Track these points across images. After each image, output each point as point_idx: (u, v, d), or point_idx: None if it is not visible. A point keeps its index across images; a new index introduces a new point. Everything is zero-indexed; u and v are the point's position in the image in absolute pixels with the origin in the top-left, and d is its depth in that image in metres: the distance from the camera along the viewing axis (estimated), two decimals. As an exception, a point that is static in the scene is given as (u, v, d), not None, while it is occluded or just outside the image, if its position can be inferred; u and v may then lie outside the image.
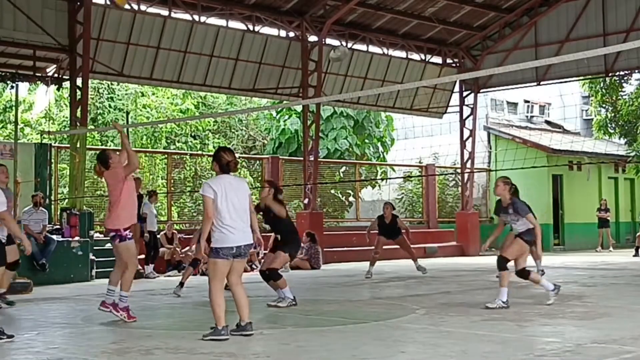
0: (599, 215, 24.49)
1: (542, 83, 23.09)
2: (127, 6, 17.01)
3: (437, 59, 23.43)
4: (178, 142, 27.71)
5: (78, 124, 15.93)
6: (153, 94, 28.87)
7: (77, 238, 14.59)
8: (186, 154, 22.00)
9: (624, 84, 26.41)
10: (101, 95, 27.11)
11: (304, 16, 19.62)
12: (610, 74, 23.22)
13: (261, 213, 9.74)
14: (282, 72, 20.30)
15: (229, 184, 6.92)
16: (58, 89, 18.18)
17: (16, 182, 12.23)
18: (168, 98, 29.08)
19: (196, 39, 18.44)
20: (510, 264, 9.32)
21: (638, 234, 21.98)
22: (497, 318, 8.02)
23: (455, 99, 24.41)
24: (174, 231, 17.00)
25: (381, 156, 29.54)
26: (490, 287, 12.01)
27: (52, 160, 16.72)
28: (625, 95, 26.67)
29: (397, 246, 14.99)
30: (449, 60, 23.46)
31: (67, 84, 16.99)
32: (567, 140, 26.21)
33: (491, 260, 19.76)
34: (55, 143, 17.68)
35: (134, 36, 17.53)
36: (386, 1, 20.26)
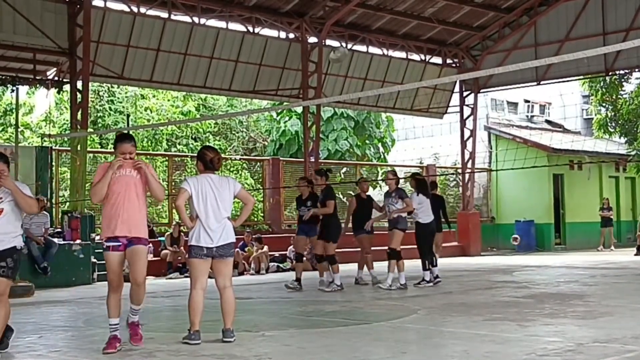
0: (602, 214, 24.48)
1: (542, 83, 23.11)
2: (126, 8, 17.05)
3: (437, 60, 23.45)
4: (179, 144, 27.73)
5: (78, 127, 15.95)
6: (153, 96, 28.89)
7: (78, 241, 14.60)
8: (187, 156, 22.01)
9: (624, 83, 26.39)
10: (101, 98, 27.13)
11: (304, 17, 19.64)
12: (610, 73, 23.24)
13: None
14: (282, 74, 20.32)
15: (209, 183, 6.80)
16: (58, 92, 18.18)
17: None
18: (168, 100, 29.11)
19: (196, 41, 18.46)
20: None
21: (638, 233, 21.98)
22: (499, 318, 8.01)
23: (455, 99, 24.43)
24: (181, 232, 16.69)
25: (382, 157, 29.56)
26: (491, 287, 12.01)
27: (53, 164, 16.74)
28: (625, 94, 26.67)
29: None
30: (449, 61, 23.48)
31: (67, 87, 17.01)
32: (567, 140, 26.19)
33: (492, 261, 19.81)
34: (55, 146, 17.69)
35: (134, 39, 17.55)
36: (386, 2, 20.27)
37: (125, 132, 8.87)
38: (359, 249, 13.00)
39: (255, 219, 21.13)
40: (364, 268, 12.79)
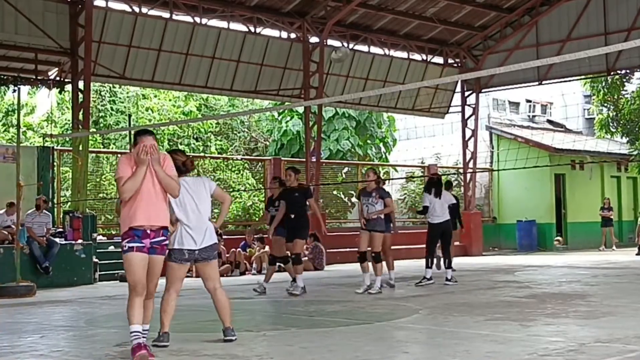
0: (602, 214, 24.50)
1: (543, 82, 23.11)
2: (128, 8, 17.07)
3: (439, 59, 23.45)
4: (180, 144, 27.73)
5: (80, 127, 15.96)
6: (155, 96, 28.90)
7: (80, 241, 14.61)
8: (188, 156, 21.97)
9: (626, 83, 26.40)
10: (103, 98, 27.15)
11: (305, 17, 19.64)
12: (611, 73, 23.23)
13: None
14: (284, 74, 20.32)
15: (185, 187, 6.65)
16: (60, 92, 18.22)
17: (19, 185, 12.24)
18: (170, 100, 29.12)
19: (198, 41, 18.46)
20: None
21: (638, 233, 22.03)
22: (501, 318, 8.01)
23: (457, 99, 24.43)
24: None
25: (383, 157, 29.55)
26: (493, 287, 12.01)
27: (55, 164, 16.75)
28: (627, 94, 26.68)
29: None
30: (450, 61, 23.47)
31: (69, 87, 17.04)
32: (569, 140, 26.20)
33: (494, 260, 19.80)
34: (57, 146, 17.67)
35: (136, 39, 17.56)
36: (387, 2, 20.28)
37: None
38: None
39: (257, 219, 21.14)
40: (393, 268, 12.29)
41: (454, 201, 12.92)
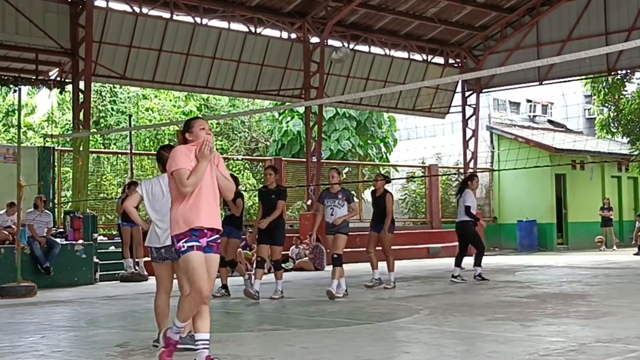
0: (602, 214, 24.50)
1: (544, 82, 23.12)
2: (128, 8, 17.08)
3: (439, 59, 23.47)
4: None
5: (81, 127, 15.97)
6: (155, 96, 28.91)
7: (80, 241, 14.61)
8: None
9: (626, 83, 26.40)
10: (103, 98, 27.16)
11: (306, 17, 19.65)
12: (612, 73, 23.25)
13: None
14: (284, 74, 20.33)
15: (160, 184, 6.48)
16: (60, 93, 18.23)
17: (19, 185, 12.24)
18: (170, 100, 29.12)
19: (198, 41, 18.48)
20: None
21: (637, 233, 22.03)
22: (501, 318, 8.01)
23: (457, 99, 24.45)
24: None
25: (384, 157, 29.56)
26: (494, 287, 12.00)
27: (55, 164, 16.75)
28: (627, 94, 26.68)
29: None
30: (451, 61, 23.48)
31: (69, 87, 17.05)
32: (570, 140, 26.19)
33: (495, 261, 19.78)
34: (58, 146, 17.66)
35: (136, 39, 17.57)
36: (388, 2, 20.29)
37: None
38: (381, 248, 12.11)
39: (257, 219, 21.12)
40: (393, 269, 12.05)
41: (468, 203, 12.90)
